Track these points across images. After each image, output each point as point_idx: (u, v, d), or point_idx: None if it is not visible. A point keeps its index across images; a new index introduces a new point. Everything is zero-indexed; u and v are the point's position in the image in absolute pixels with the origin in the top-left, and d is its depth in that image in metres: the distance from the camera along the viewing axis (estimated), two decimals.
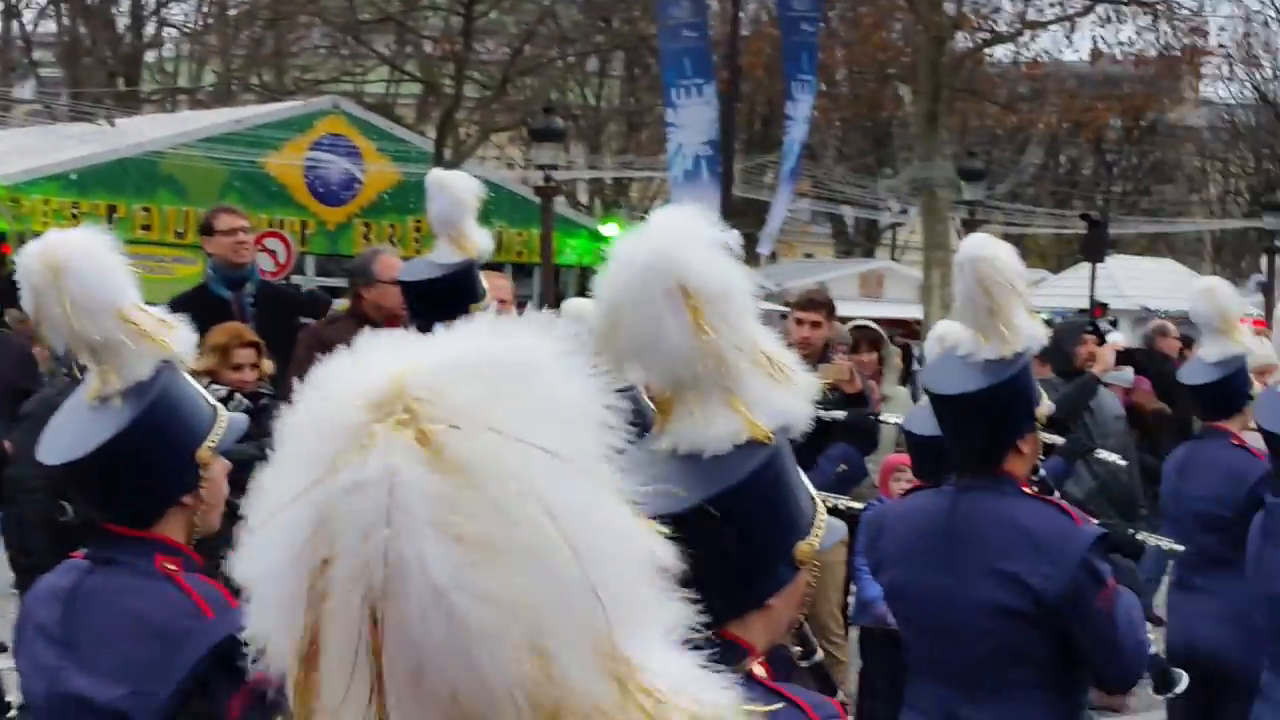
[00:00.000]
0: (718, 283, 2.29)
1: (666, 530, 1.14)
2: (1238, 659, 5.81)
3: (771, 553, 2.31)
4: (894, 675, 5.11)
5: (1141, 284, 32.65)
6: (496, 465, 1.05)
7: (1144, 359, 10.90)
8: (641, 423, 5.05)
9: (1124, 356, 8.66)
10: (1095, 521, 4.85)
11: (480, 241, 6.16)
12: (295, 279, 21.61)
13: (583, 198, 39.89)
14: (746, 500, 2.26)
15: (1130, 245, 45.34)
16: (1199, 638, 6.22)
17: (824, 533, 2.39)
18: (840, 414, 6.58)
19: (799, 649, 2.67)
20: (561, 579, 1.07)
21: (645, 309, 2.29)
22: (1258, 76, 46.44)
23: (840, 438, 6.75)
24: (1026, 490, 4.08)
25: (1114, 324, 28.40)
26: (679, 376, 2.33)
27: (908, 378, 10.75)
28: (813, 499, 2.43)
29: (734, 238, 2.48)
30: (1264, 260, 35.43)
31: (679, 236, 2.31)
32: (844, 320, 17.62)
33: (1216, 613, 6.11)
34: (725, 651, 2.28)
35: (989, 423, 4.01)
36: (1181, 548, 5.65)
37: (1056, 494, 4.76)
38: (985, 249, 4.03)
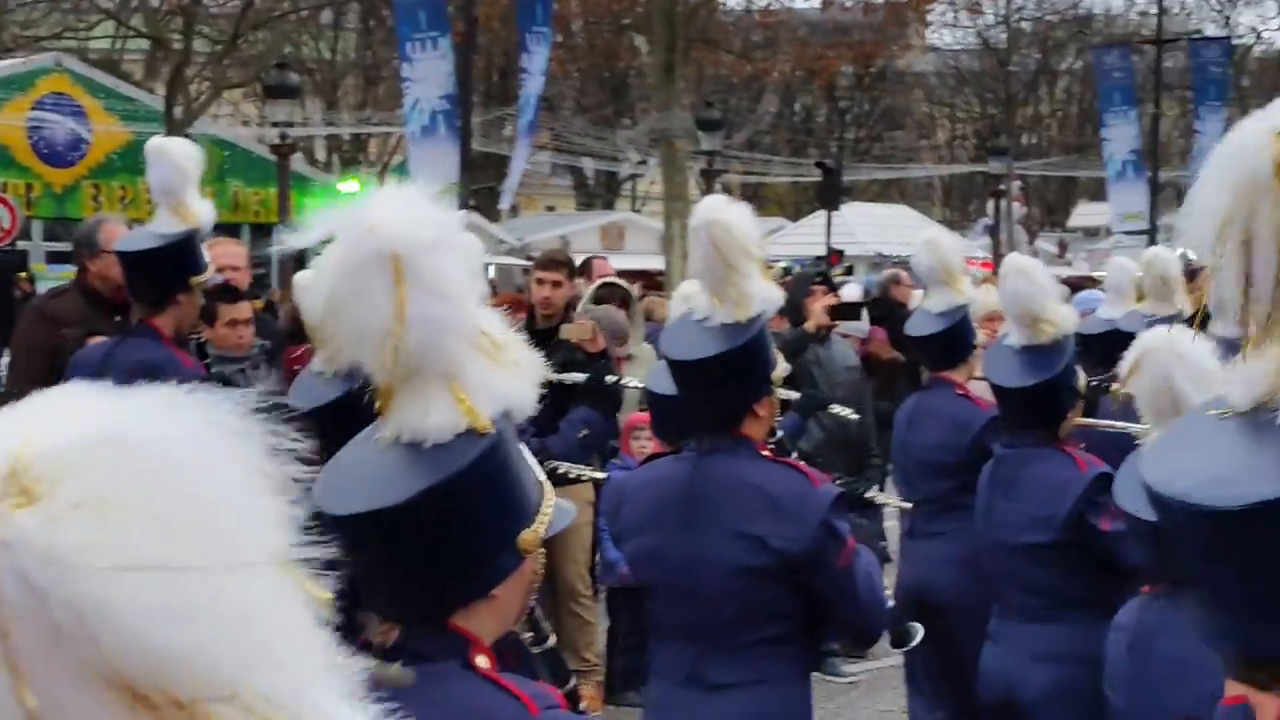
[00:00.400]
0: (432, 264, 2.24)
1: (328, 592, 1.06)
2: (968, 600, 5.98)
3: (495, 541, 2.28)
4: (641, 633, 5.14)
5: (876, 230, 33.45)
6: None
7: (880, 307, 11.11)
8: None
9: (856, 307, 8.75)
10: (832, 479, 4.95)
11: (201, 211, 5.99)
12: (21, 244, 20.87)
13: (320, 155, 39.22)
14: (468, 489, 2.23)
15: (864, 191, 46.43)
16: (931, 581, 6.38)
17: (551, 518, 2.36)
18: (579, 377, 6.57)
19: (530, 635, 2.65)
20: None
21: (360, 294, 2.24)
22: (981, 23, 47.81)
23: (582, 401, 6.74)
24: (765, 453, 4.13)
25: (849, 271, 29.10)
26: (397, 363, 2.27)
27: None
28: (539, 483, 2.40)
29: (457, 216, 2.43)
30: (990, 204, 36.60)
31: (394, 216, 2.25)
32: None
33: (946, 557, 6.29)
34: (450, 644, 2.25)
35: (726, 387, 4.04)
36: (910, 505, 5.78)
37: (794, 454, 4.82)
38: (719, 213, 4.04)
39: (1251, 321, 1.73)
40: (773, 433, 4.41)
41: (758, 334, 4.02)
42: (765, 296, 4.09)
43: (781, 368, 4.19)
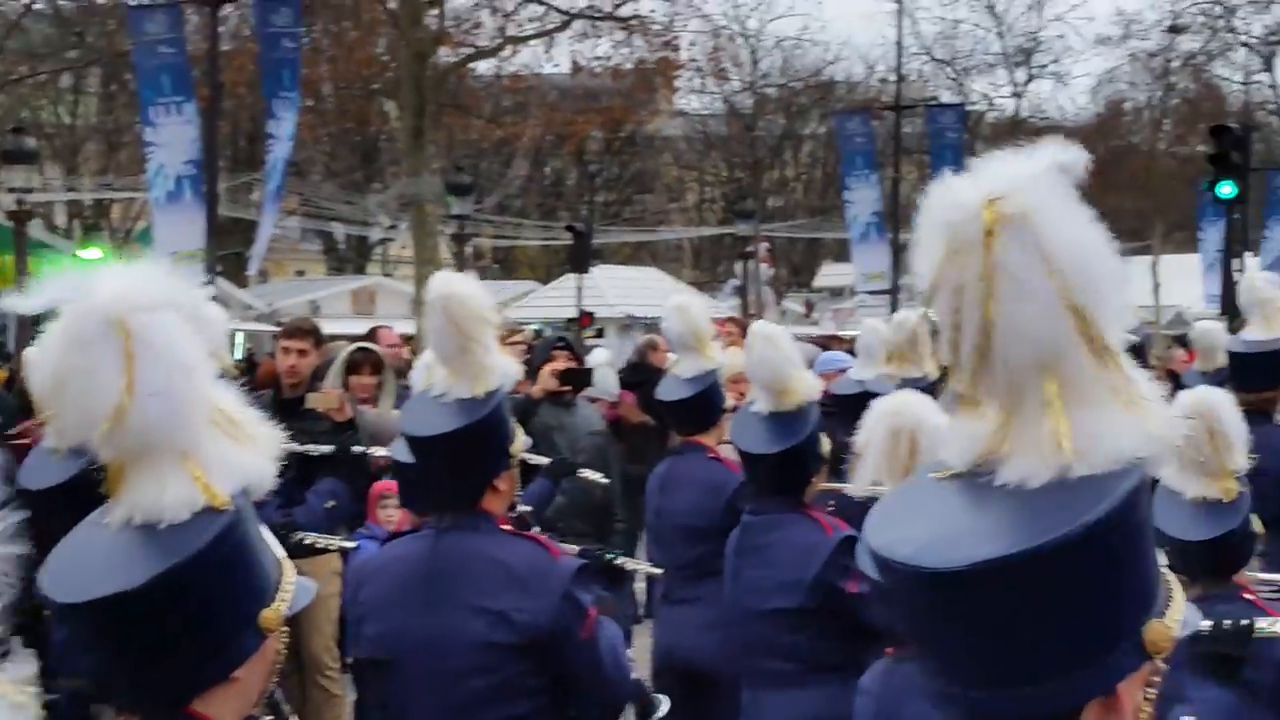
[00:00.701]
0: (164, 334, 2.18)
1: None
2: (723, 666, 6.02)
3: (235, 622, 2.22)
4: (387, 704, 5.05)
5: (626, 292, 33.70)
6: None
7: (638, 372, 11.15)
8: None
9: (585, 373, 8.61)
10: (575, 550, 4.93)
11: None
12: None
13: (60, 220, 38.14)
14: (207, 570, 2.16)
15: (615, 254, 46.80)
16: (686, 647, 6.41)
17: (293, 595, 2.31)
18: (326, 449, 6.47)
19: (270, 717, 2.58)
20: None
21: (87, 366, 2.17)
22: (727, 89, 48.69)
23: (328, 472, 6.64)
24: (505, 527, 4.09)
25: (600, 333, 29.26)
26: (128, 440, 2.21)
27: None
28: (279, 560, 2.35)
29: (194, 286, 2.37)
30: (738, 265, 37.18)
31: (124, 285, 2.19)
32: (336, 338, 17.38)
33: (701, 621, 6.31)
34: None
35: (464, 463, 3.99)
36: (659, 571, 5.81)
37: (535, 528, 4.79)
38: (454, 286, 4.01)
39: (966, 382, 1.75)
40: (513, 506, 4.39)
41: (495, 408, 3.97)
42: (503, 370, 4.05)
43: (521, 440, 4.17)
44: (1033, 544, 1.57)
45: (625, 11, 32.77)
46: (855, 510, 5.15)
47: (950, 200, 1.69)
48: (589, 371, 8.52)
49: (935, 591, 1.60)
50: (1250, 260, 40.04)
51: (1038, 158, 1.72)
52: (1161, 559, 1.72)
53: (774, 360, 5.26)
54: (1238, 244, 32.72)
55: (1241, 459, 4.24)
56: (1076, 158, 1.73)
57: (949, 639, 1.63)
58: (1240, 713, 3.72)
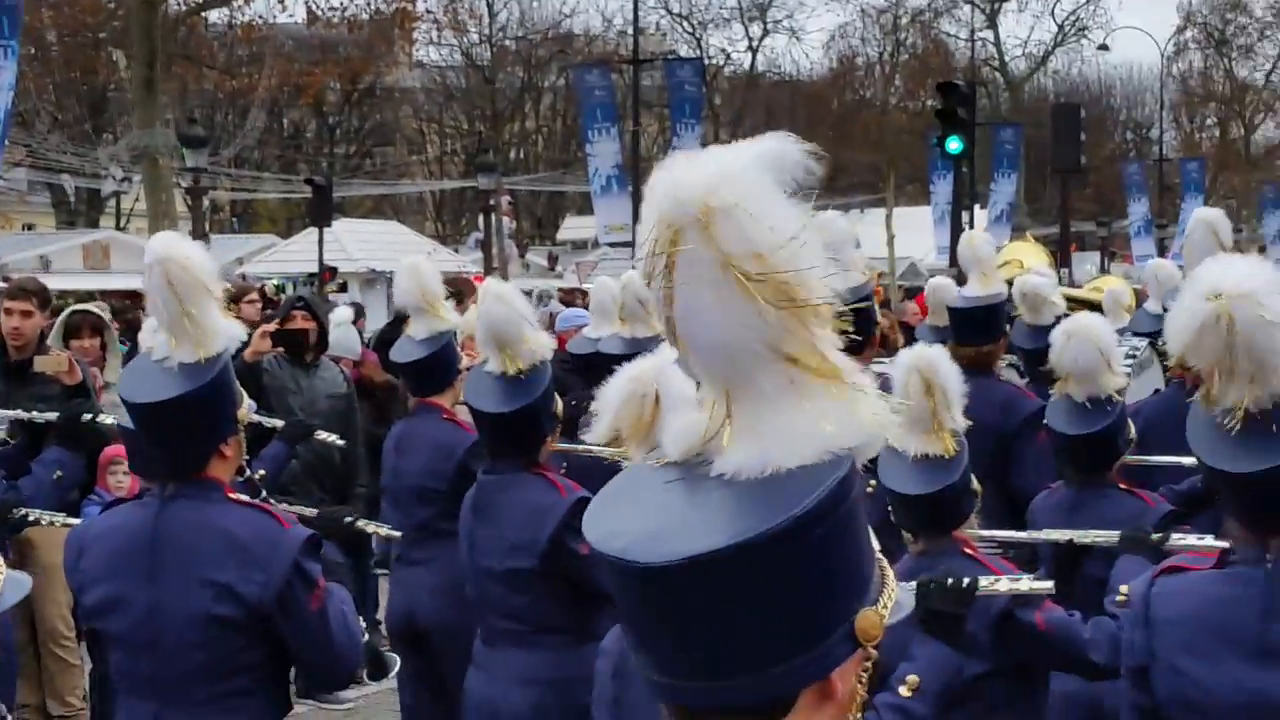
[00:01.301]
0: None
1: None
2: (454, 625, 6.02)
3: None
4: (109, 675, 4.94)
5: (368, 246, 33.31)
6: None
7: (392, 329, 10.99)
8: None
9: (301, 333, 8.35)
10: (313, 514, 4.88)
11: None
12: None
13: None
14: None
15: (356, 207, 46.26)
16: (419, 607, 6.39)
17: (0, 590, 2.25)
18: (50, 415, 6.26)
19: None
20: None
21: None
22: (465, 41, 48.40)
23: (56, 440, 6.42)
24: (232, 496, 4.01)
25: (343, 288, 28.91)
26: None
27: None
28: None
29: None
30: (481, 219, 37.07)
31: None
32: (68, 294, 16.92)
33: (435, 584, 6.30)
34: None
35: (188, 430, 3.89)
36: (399, 534, 5.77)
37: (264, 495, 4.72)
38: (173, 249, 3.90)
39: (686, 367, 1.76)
40: (241, 471, 4.31)
41: (219, 373, 3.88)
42: (227, 333, 3.96)
43: (247, 406, 4.09)
44: (743, 537, 1.57)
45: None
46: (593, 471, 5.19)
47: (655, 190, 1.69)
48: (305, 332, 8.30)
49: (648, 585, 1.60)
50: (979, 212, 41.42)
51: (744, 148, 1.72)
52: (875, 544, 1.75)
53: (505, 317, 5.23)
54: (966, 197, 33.73)
55: (959, 416, 4.37)
56: (788, 149, 1.72)
57: (665, 631, 1.63)
58: (960, 666, 3.85)
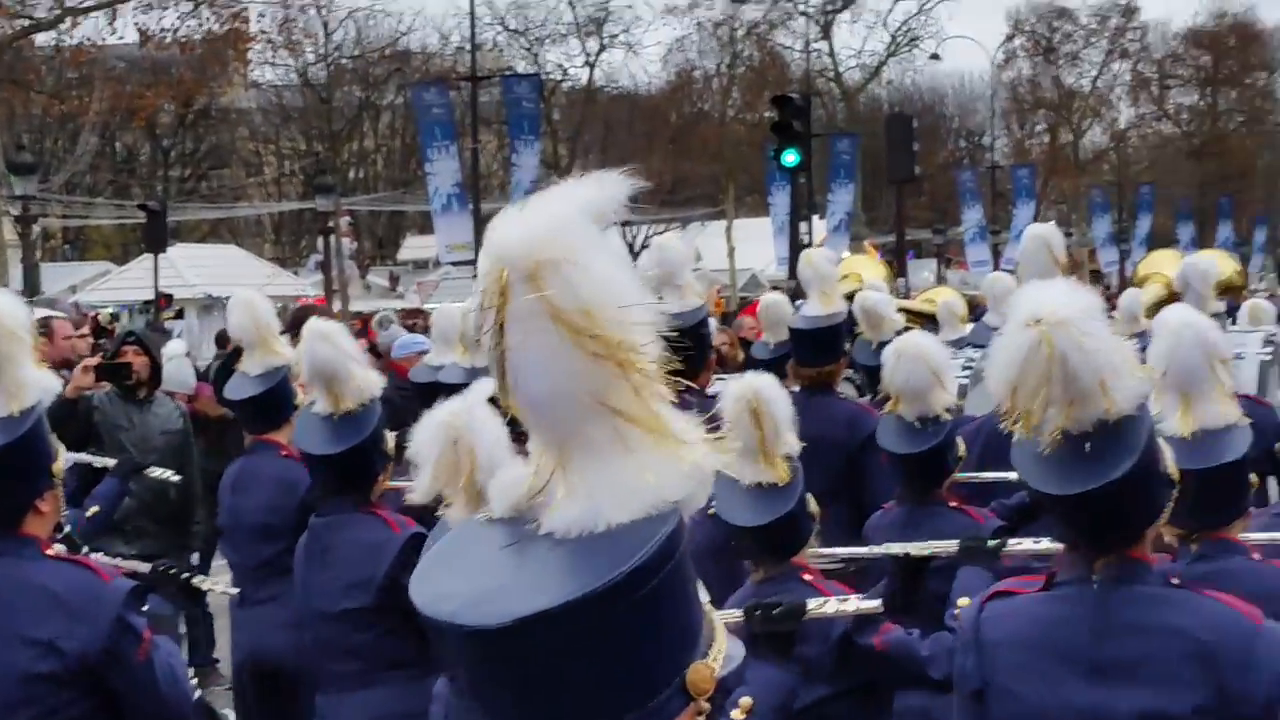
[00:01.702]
0: None
1: None
2: (304, 662, 5.94)
3: None
4: None
5: (206, 271, 32.84)
6: None
7: (225, 362, 10.77)
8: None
9: (124, 367, 8.12)
10: (145, 567, 4.77)
11: None
12: None
13: None
14: None
15: (193, 232, 45.55)
16: (266, 647, 6.29)
17: None
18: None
19: None
20: None
21: None
22: (301, 60, 47.96)
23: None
24: (49, 552, 3.91)
25: (180, 314, 28.43)
26: None
27: None
28: None
29: None
30: (321, 240, 36.71)
31: None
32: None
33: (279, 620, 6.20)
34: None
35: (3, 486, 3.79)
36: (235, 590, 5.64)
37: (85, 550, 4.61)
38: None
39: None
40: (59, 528, 4.20)
41: (33, 426, 3.77)
42: (39, 385, 3.84)
43: (63, 459, 3.97)
44: (573, 596, 1.58)
45: None
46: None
47: (487, 245, 1.68)
48: (129, 365, 8.11)
49: (480, 648, 1.59)
50: (818, 223, 41.88)
51: (571, 197, 1.71)
52: (703, 595, 1.76)
53: (331, 358, 5.18)
54: (804, 208, 34.10)
55: (792, 441, 4.40)
56: (613, 193, 1.72)
57: (501, 692, 1.62)
58: (795, 688, 3.88)
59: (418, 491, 3.48)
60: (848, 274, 16.34)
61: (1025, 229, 7.75)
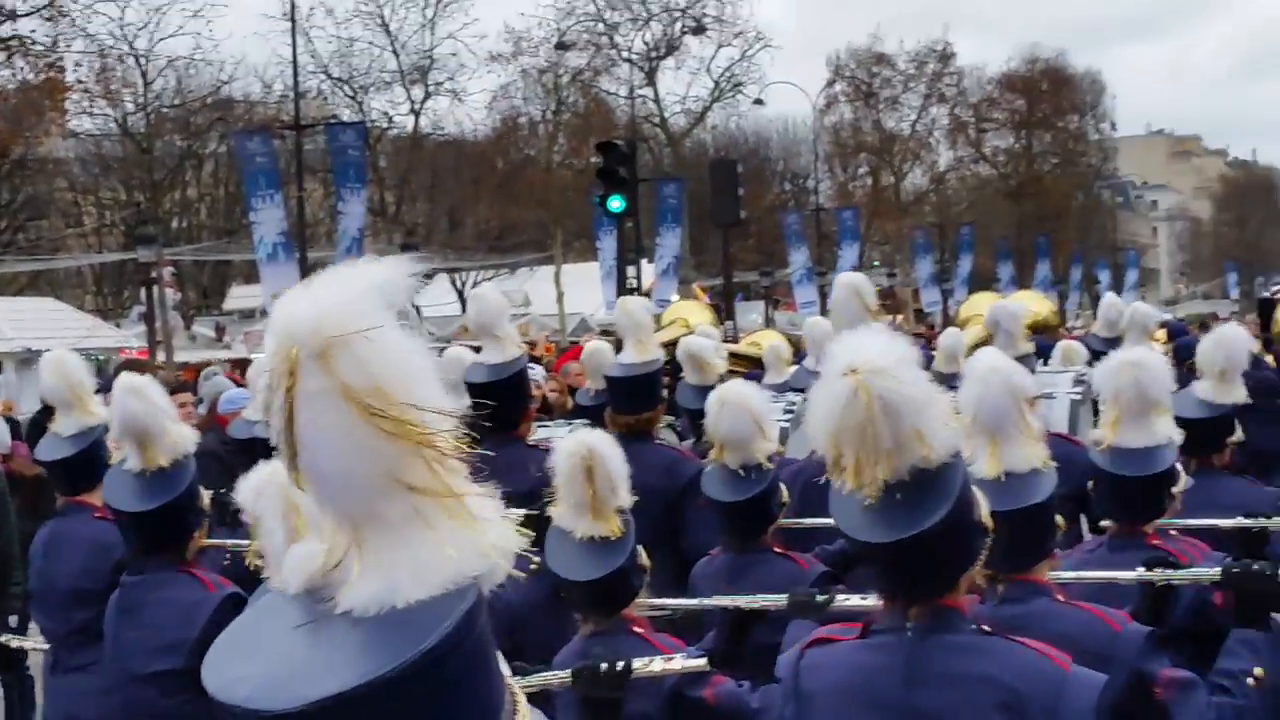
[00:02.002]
0: None
1: None
2: None
3: None
4: None
5: (24, 324, 32.10)
6: None
7: (40, 419, 10.58)
8: None
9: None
10: None
11: None
12: None
13: None
14: None
15: (10, 284, 44.49)
16: (82, 716, 6.14)
17: None
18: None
19: None
20: None
21: None
22: (120, 110, 47.16)
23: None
24: None
25: None
26: None
27: None
28: None
29: None
30: (143, 291, 36.05)
31: None
32: None
33: (96, 687, 6.05)
34: None
35: None
36: (46, 646, 5.50)
37: None
38: None
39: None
40: None
41: None
42: None
43: None
44: (370, 677, 1.54)
45: (4, 32, 31.22)
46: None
47: (274, 322, 1.67)
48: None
49: None
50: (646, 266, 42.08)
51: (362, 274, 1.71)
52: (505, 669, 1.75)
53: (142, 413, 5.08)
54: (632, 252, 34.26)
55: (624, 496, 4.41)
56: (405, 271, 1.72)
57: None
58: None
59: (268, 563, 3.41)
60: (675, 319, 16.48)
61: (840, 276, 7.85)
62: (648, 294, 40.68)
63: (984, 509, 3.26)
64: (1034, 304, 16.75)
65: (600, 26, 55.03)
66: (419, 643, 1.58)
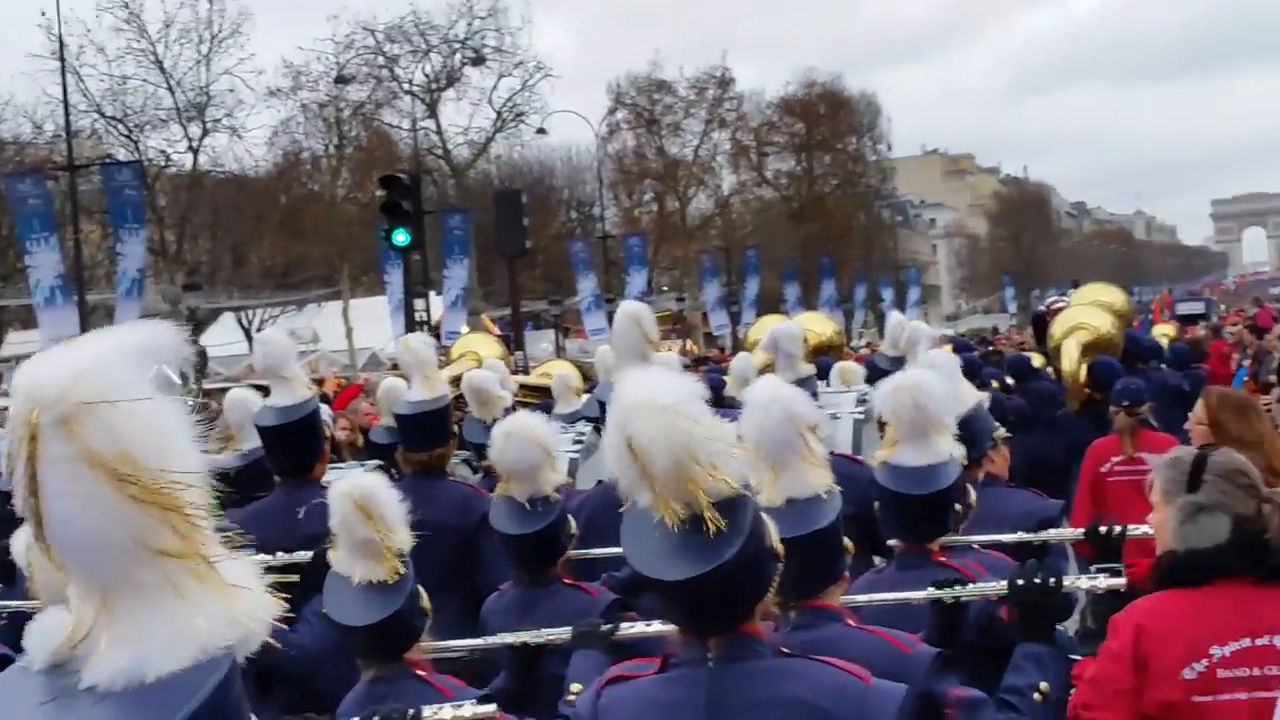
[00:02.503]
0: None
1: None
2: None
3: None
4: None
5: None
6: None
7: None
8: None
9: None
10: None
11: None
12: None
13: None
14: None
15: None
16: None
17: None
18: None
19: None
20: None
21: None
22: None
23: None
24: None
25: None
26: None
27: None
28: None
29: None
30: None
31: None
32: None
33: None
34: None
35: None
36: None
37: None
38: None
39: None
40: None
41: None
42: None
43: None
44: None
45: None
46: None
47: (16, 388, 1.62)
48: None
49: None
50: (435, 299, 41.86)
51: (113, 338, 1.67)
52: None
53: None
54: (420, 285, 34.05)
55: (403, 537, 4.36)
56: (161, 336, 1.68)
57: None
58: None
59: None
60: (465, 352, 16.43)
61: (623, 305, 7.86)
62: (437, 327, 40.59)
63: (774, 535, 3.28)
64: (817, 325, 16.94)
65: (380, 59, 54.67)
66: (169, 718, 1.54)
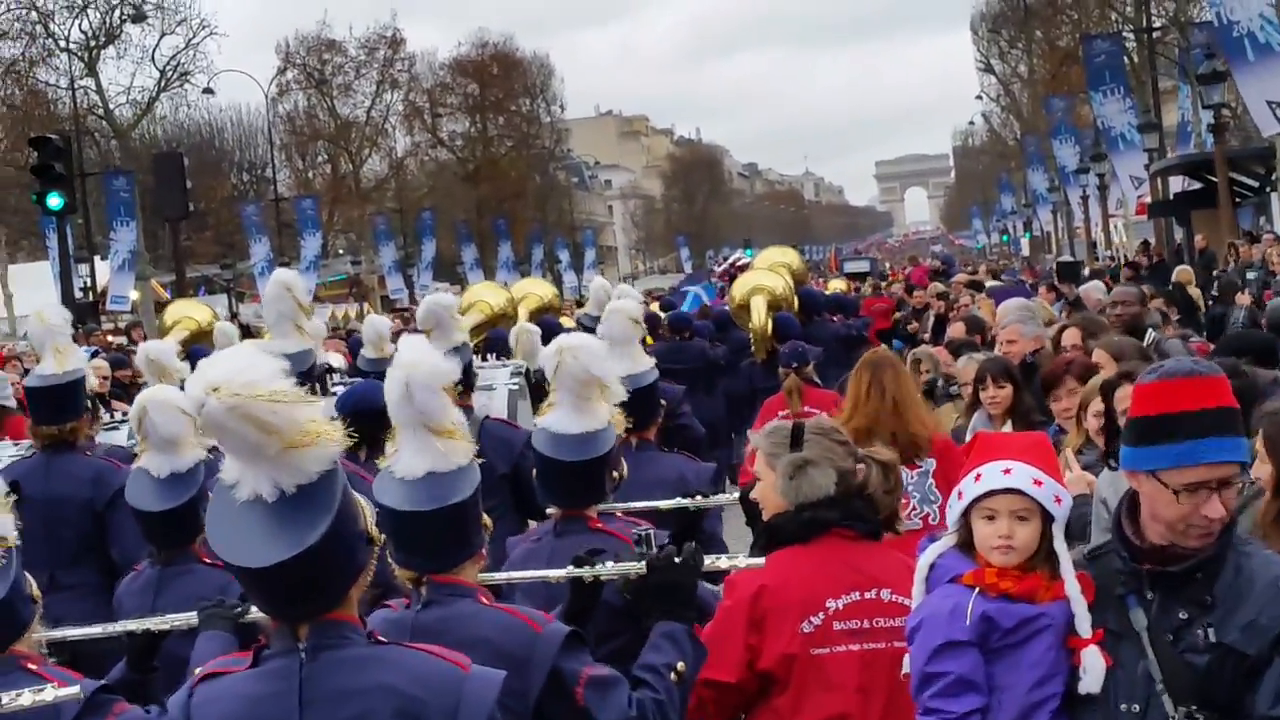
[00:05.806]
0: None
1: None
2: None
3: None
4: None
5: None
6: None
7: None
8: None
9: None
10: None
11: None
12: None
13: None
14: None
15: None
16: None
17: None
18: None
19: None
20: None
21: None
22: None
23: None
24: None
25: None
26: None
27: None
28: None
29: None
30: None
31: None
32: None
33: None
34: None
35: None
36: None
37: None
38: None
39: None
40: None
41: None
42: None
43: None
44: None
45: None
46: None
47: None
48: None
49: None
50: (100, 264, 40.48)
51: None
52: None
53: None
54: (83, 249, 32.88)
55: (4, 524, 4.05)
56: None
57: None
58: None
59: None
60: (179, 319, 15.93)
61: (274, 272, 7.65)
62: (103, 291, 39.17)
63: (369, 517, 3.18)
64: (538, 288, 17.69)
65: (33, 14, 52.33)
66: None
